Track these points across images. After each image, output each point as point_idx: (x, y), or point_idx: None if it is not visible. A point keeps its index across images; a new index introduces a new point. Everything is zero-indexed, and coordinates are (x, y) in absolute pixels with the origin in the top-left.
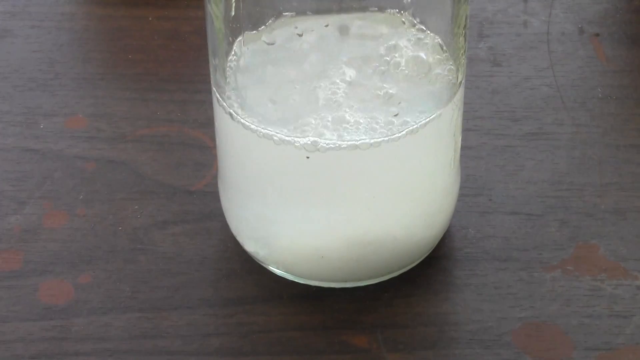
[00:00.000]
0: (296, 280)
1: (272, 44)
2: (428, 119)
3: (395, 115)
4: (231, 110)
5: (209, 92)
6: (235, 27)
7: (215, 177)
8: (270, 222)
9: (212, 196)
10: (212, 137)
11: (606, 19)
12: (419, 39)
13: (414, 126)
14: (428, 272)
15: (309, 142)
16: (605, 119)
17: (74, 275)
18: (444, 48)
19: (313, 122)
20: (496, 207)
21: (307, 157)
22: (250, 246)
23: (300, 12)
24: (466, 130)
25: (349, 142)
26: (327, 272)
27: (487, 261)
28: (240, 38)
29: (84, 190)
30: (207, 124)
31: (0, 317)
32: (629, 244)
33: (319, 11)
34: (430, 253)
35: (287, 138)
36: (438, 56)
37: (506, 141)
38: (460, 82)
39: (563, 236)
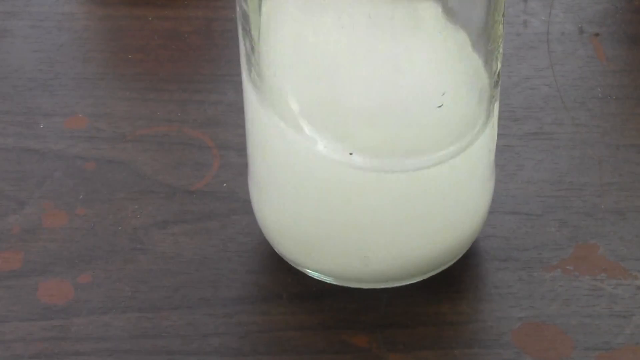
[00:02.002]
0: (314, 276)
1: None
2: (475, 131)
3: (440, 106)
4: (281, 123)
5: (208, 92)
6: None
7: (215, 177)
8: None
9: (212, 196)
10: (212, 137)
11: (606, 19)
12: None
13: (466, 142)
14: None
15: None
16: (605, 118)
17: (73, 275)
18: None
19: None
20: (496, 207)
21: (350, 154)
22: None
23: None
24: None
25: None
26: (365, 274)
27: (487, 261)
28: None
29: (83, 190)
30: (207, 123)
31: (0, 317)
32: (629, 244)
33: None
34: (454, 260)
35: (340, 158)
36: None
37: (506, 141)
38: (498, 77)
39: (563, 236)
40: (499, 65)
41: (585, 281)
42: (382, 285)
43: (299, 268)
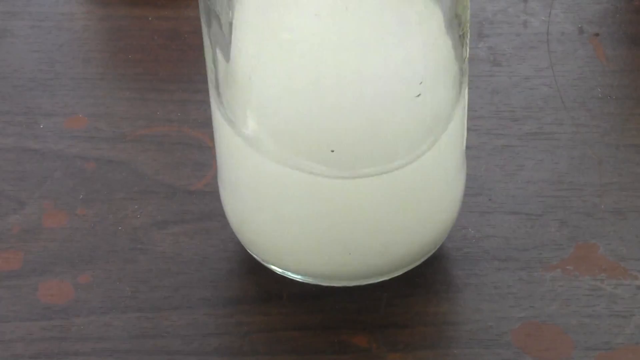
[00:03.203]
0: (296, 279)
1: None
2: (447, 101)
3: (418, 95)
4: (235, 123)
5: (208, 92)
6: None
7: (215, 177)
8: (274, 223)
9: (212, 196)
10: (212, 137)
11: (606, 19)
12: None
13: (436, 109)
14: (428, 272)
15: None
16: (605, 119)
17: (73, 275)
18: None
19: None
20: (496, 207)
21: (332, 151)
22: (249, 244)
23: None
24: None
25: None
26: (330, 271)
27: (487, 261)
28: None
29: (84, 190)
30: (207, 123)
31: (0, 317)
32: (629, 244)
33: None
34: (430, 254)
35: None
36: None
37: (506, 141)
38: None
39: (563, 236)
40: (468, 51)
41: (585, 281)
42: (366, 282)
43: (275, 269)
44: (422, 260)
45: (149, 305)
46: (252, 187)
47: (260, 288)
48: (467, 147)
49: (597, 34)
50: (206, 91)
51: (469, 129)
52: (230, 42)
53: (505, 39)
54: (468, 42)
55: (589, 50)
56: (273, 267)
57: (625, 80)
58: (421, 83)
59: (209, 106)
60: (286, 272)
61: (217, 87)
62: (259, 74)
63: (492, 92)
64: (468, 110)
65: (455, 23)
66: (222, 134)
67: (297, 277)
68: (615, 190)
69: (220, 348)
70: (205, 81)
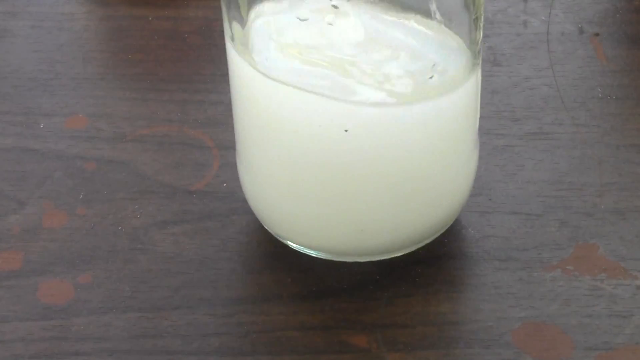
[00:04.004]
0: (310, 254)
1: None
2: (460, 80)
3: (431, 77)
4: (263, 71)
5: (208, 92)
6: None
7: (215, 177)
8: (291, 193)
9: (212, 196)
10: (212, 137)
11: (606, 19)
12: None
13: (450, 88)
14: (428, 272)
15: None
16: (605, 119)
17: (74, 275)
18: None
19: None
20: (496, 207)
21: (345, 131)
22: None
23: None
24: None
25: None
26: (344, 246)
27: (487, 261)
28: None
29: (84, 190)
30: (207, 123)
31: (0, 317)
32: (629, 244)
33: None
34: (431, 253)
35: (326, 93)
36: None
37: (506, 141)
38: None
39: (563, 236)
40: (482, 34)
41: (585, 281)
42: (378, 258)
43: (290, 243)
44: (433, 238)
45: (149, 305)
46: (269, 157)
47: (260, 288)
48: None
49: (597, 34)
50: (206, 91)
51: None
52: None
53: (505, 39)
54: (482, 25)
55: (589, 50)
56: (289, 243)
57: (625, 80)
58: (434, 66)
59: (209, 106)
60: (301, 247)
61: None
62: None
63: (492, 92)
64: None
65: (469, 6)
66: (242, 82)
67: (311, 252)
68: (615, 190)
69: (221, 348)
70: (205, 81)
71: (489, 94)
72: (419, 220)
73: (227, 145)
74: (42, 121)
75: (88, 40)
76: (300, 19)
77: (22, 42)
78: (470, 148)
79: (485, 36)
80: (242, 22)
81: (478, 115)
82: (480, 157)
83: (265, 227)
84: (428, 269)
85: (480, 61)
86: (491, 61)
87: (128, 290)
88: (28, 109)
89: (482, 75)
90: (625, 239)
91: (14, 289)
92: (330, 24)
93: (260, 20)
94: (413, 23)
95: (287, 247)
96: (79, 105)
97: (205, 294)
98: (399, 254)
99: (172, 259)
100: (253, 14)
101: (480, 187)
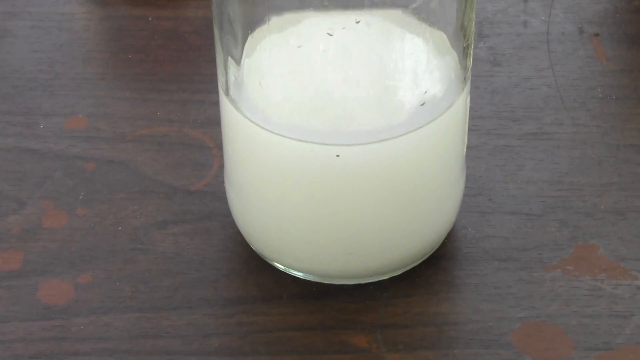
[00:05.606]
0: (298, 276)
1: (300, 46)
2: (450, 105)
3: (422, 104)
4: (243, 111)
5: (208, 92)
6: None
7: (215, 177)
8: (280, 217)
9: (212, 196)
10: (212, 137)
11: (606, 19)
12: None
13: (439, 114)
14: (428, 272)
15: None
16: (605, 119)
17: (74, 275)
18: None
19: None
20: (496, 207)
21: (337, 156)
22: (255, 241)
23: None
24: None
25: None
26: (332, 269)
27: (487, 261)
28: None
29: (84, 190)
30: (207, 123)
31: (0, 317)
32: (629, 244)
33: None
34: (431, 253)
35: (309, 139)
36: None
37: (506, 141)
38: (469, 67)
39: (563, 236)
40: (471, 61)
41: (585, 281)
42: (366, 280)
43: (279, 265)
44: (421, 260)
45: (149, 305)
46: (259, 182)
47: (260, 288)
48: (467, 148)
49: (597, 34)
50: (206, 91)
51: (469, 129)
52: (242, 48)
53: (505, 39)
54: (472, 52)
55: (589, 50)
56: (276, 265)
57: (625, 80)
58: (425, 93)
59: (209, 106)
60: (289, 269)
61: (226, 85)
62: (272, 83)
63: (492, 92)
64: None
65: (460, 35)
66: (230, 122)
67: (299, 275)
68: (615, 190)
69: (221, 348)
70: (205, 81)
71: (489, 94)
72: (408, 243)
73: None
74: (42, 121)
75: (88, 40)
76: (294, 46)
77: (22, 42)
78: (458, 172)
79: (485, 36)
80: (237, 59)
81: (466, 140)
82: (480, 157)
83: (252, 248)
84: (428, 269)
85: (468, 85)
86: (491, 61)
87: (128, 290)
88: (28, 109)
89: (482, 75)
90: (625, 239)
91: (14, 289)
92: (325, 51)
93: (253, 56)
94: (405, 50)
95: None
96: (78, 106)
97: (205, 294)
98: (387, 277)
99: (172, 259)
100: (248, 45)
101: (480, 187)
